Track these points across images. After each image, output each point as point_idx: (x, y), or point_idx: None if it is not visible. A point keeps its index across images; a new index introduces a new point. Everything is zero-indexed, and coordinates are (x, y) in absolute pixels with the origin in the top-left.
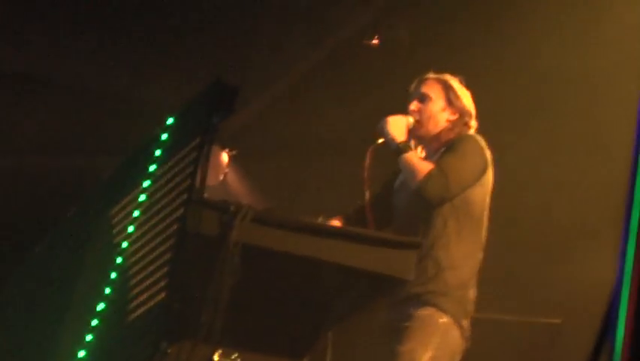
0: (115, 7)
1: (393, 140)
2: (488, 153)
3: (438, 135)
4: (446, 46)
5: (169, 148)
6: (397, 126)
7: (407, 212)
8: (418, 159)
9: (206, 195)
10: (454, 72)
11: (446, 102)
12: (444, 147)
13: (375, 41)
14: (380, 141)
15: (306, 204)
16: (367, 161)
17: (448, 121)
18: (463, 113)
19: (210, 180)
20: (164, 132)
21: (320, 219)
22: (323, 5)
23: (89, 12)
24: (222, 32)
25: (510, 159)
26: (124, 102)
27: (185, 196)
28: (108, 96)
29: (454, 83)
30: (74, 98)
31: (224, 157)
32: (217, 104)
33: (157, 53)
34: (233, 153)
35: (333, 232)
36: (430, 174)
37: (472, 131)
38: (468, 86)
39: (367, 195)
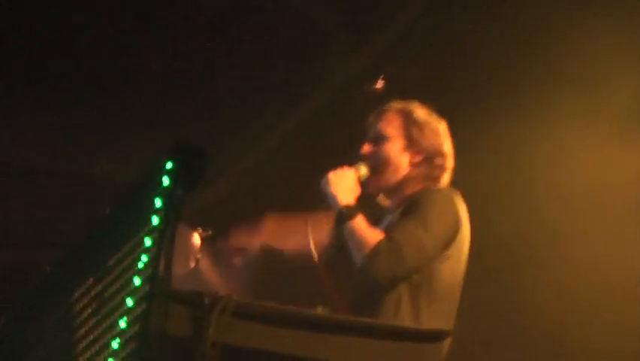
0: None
1: (335, 203)
2: (463, 212)
3: (400, 186)
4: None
5: (123, 229)
6: (342, 184)
7: (356, 287)
8: (364, 227)
9: (173, 285)
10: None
11: (406, 141)
12: (407, 202)
13: (379, 85)
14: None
15: (299, 291)
16: (309, 236)
17: (411, 165)
18: (430, 153)
19: (179, 268)
20: (116, 210)
21: (319, 310)
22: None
23: (34, 90)
24: (185, 98)
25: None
26: (75, 180)
27: (146, 289)
28: (59, 175)
29: (420, 113)
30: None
31: (196, 239)
32: (181, 170)
33: (112, 124)
34: (207, 233)
35: (342, 326)
36: (377, 249)
37: (445, 179)
38: (446, 115)
39: (324, 277)
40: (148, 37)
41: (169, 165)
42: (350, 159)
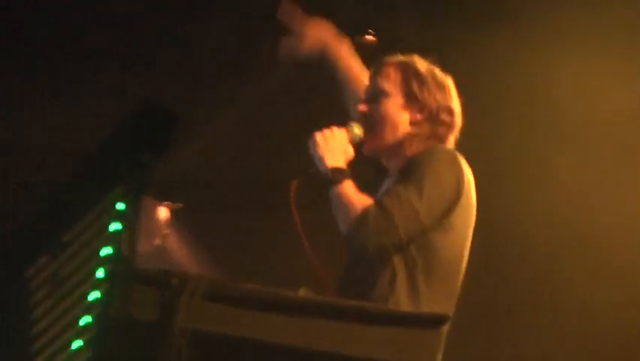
0: None
1: (323, 165)
2: (468, 177)
3: (400, 146)
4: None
5: (81, 202)
6: (330, 145)
7: (350, 262)
8: (352, 192)
9: (137, 265)
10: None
11: (406, 96)
12: (406, 164)
13: (370, 37)
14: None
15: (277, 271)
16: (292, 200)
17: (412, 124)
18: (433, 110)
19: (144, 245)
20: (75, 181)
21: (301, 291)
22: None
23: None
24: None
25: None
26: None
27: (108, 268)
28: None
29: (422, 66)
30: None
31: (163, 213)
32: (148, 135)
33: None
34: (176, 206)
35: (325, 308)
36: (364, 215)
37: (451, 140)
38: (452, 71)
39: (306, 245)
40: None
41: (135, 128)
42: (338, 120)
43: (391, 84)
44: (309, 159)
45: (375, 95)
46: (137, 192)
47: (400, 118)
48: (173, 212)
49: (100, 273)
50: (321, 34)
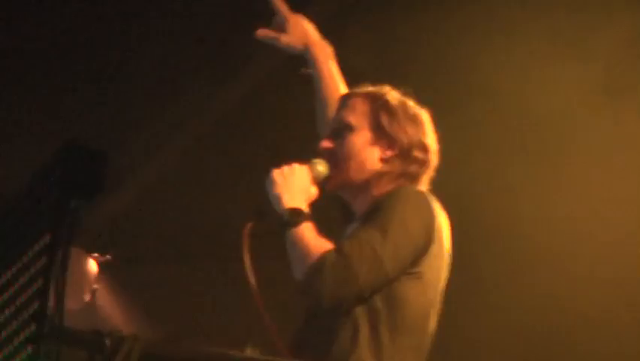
0: None
1: (279, 205)
2: (440, 219)
3: (366, 185)
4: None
5: (1, 254)
6: (290, 182)
7: (306, 315)
8: (310, 236)
9: (66, 324)
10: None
11: (374, 131)
12: (372, 206)
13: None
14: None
15: (219, 328)
16: (245, 248)
17: (382, 161)
18: (405, 146)
19: (72, 301)
20: None
21: (248, 351)
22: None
23: None
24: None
25: None
26: None
27: (32, 328)
28: None
29: (393, 97)
30: None
31: (92, 265)
32: (75, 178)
33: None
34: (105, 258)
35: None
36: (320, 262)
37: (424, 179)
38: (427, 103)
39: (257, 296)
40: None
41: (58, 173)
42: (295, 156)
43: (358, 117)
44: (256, 201)
45: (341, 130)
46: (65, 242)
47: (368, 154)
48: (102, 264)
49: (23, 335)
50: (307, 30)
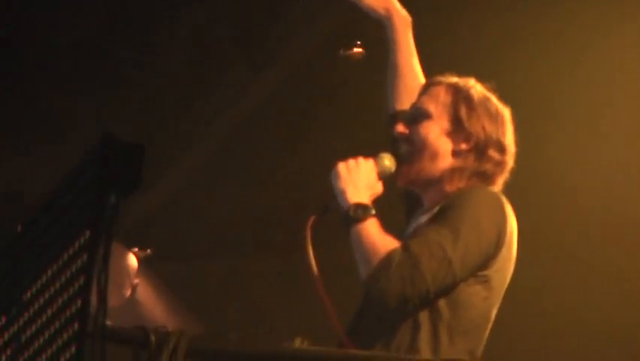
0: None
1: (343, 200)
2: (511, 224)
3: (439, 180)
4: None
5: (40, 253)
6: (355, 177)
7: (364, 307)
8: (375, 232)
9: (108, 321)
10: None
11: (451, 122)
12: (443, 202)
13: (357, 49)
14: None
15: (265, 323)
16: (308, 241)
17: (455, 154)
18: (480, 141)
19: (114, 299)
20: (31, 229)
21: (298, 343)
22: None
23: None
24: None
25: None
26: None
27: (75, 327)
28: None
29: (476, 91)
30: None
31: (133, 261)
32: (113, 173)
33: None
34: (146, 253)
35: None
36: (387, 261)
37: (499, 181)
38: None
39: (322, 291)
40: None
41: (96, 168)
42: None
43: (438, 106)
44: (295, 193)
45: (417, 116)
46: (105, 238)
47: (441, 145)
48: (142, 259)
49: (67, 334)
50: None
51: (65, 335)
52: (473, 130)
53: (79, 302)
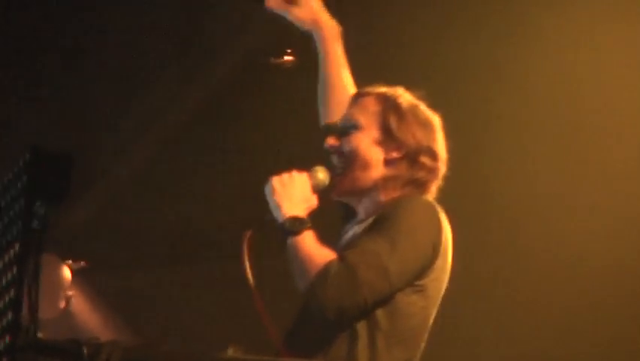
0: None
1: (279, 214)
2: (446, 233)
3: (373, 190)
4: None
5: None
6: (289, 190)
7: (301, 316)
8: (312, 245)
9: (42, 334)
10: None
11: (381, 132)
12: (378, 213)
13: (288, 57)
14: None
15: (198, 332)
16: (244, 254)
17: (387, 163)
18: (411, 149)
19: (46, 311)
20: None
21: (231, 352)
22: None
23: None
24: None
25: None
26: None
27: (6, 341)
28: None
29: (405, 100)
30: None
31: (66, 273)
32: (41, 183)
33: None
34: (80, 265)
35: None
36: (324, 273)
37: (432, 188)
38: (438, 107)
39: (259, 304)
40: None
41: (24, 178)
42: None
43: (367, 116)
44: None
45: (348, 128)
46: (35, 250)
47: (373, 155)
48: (76, 271)
49: None
50: (317, 7)
51: None
52: (404, 138)
53: (10, 315)
